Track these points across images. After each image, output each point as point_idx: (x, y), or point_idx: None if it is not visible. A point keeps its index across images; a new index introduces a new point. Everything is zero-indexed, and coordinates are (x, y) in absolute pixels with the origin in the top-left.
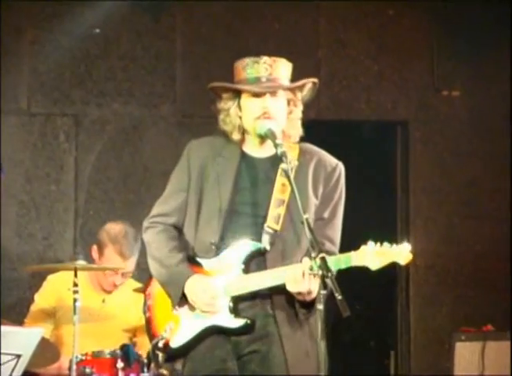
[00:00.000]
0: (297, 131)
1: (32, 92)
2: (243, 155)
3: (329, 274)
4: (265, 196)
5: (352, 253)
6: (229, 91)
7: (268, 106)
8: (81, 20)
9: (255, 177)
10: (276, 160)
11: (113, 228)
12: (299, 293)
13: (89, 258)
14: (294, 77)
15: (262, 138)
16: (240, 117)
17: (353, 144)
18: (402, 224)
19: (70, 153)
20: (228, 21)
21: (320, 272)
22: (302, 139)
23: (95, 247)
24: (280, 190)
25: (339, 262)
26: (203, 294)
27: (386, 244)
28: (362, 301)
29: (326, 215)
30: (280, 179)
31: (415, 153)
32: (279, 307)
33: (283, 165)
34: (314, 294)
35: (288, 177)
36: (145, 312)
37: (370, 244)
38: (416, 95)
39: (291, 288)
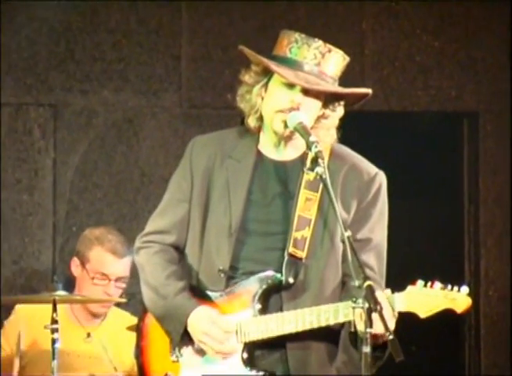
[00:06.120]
0: (330, 139)
1: None
2: (259, 156)
3: (378, 307)
4: (286, 212)
5: (396, 295)
6: (261, 64)
7: (298, 101)
8: None
9: (273, 186)
10: (300, 165)
11: (94, 230)
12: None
13: (68, 278)
14: None
15: (280, 136)
16: (262, 99)
17: (407, 142)
18: (469, 244)
19: (47, 153)
20: None
21: (366, 305)
22: (340, 137)
23: (75, 260)
24: (305, 207)
25: None
26: (214, 330)
27: (438, 284)
28: (419, 341)
29: (360, 235)
30: (305, 193)
31: (486, 153)
32: (302, 351)
33: (318, 169)
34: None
35: (325, 184)
36: (137, 357)
37: (419, 284)
38: (487, 80)
39: (362, 328)
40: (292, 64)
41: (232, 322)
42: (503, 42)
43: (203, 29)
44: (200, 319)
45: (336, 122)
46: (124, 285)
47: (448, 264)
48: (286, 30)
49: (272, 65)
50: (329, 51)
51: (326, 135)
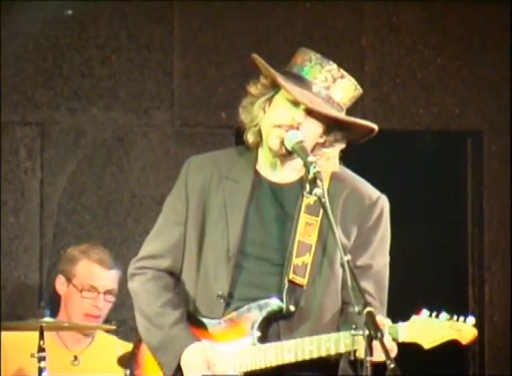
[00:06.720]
0: (330, 168)
1: None
2: (257, 177)
3: (378, 334)
4: (284, 236)
5: (400, 325)
6: (269, 76)
7: (299, 121)
8: None
9: (271, 209)
10: (299, 188)
11: (79, 246)
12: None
13: (55, 301)
14: None
15: (274, 153)
16: (264, 113)
17: (408, 162)
18: (473, 267)
19: (34, 173)
20: None
21: (366, 332)
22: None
23: (60, 277)
24: (305, 232)
25: None
26: (207, 369)
27: (444, 315)
28: (421, 369)
29: (360, 262)
30: (304, 217)
31: (490, 173)
32: None
33: (317, 190)
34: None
35: (324, 206)
36: None
37: (424, 313)
38: (491, 97)
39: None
40: (301, 82)
41: (228, 357)
42: (508, 59)
43: (195, 44)
44: (194, 356)
45: (336, 153)
46: (113, 299)
47: (452, 288)
48: (304, 48)
49: (280, 78)
50: (342, 77)
51: (325, 164)
